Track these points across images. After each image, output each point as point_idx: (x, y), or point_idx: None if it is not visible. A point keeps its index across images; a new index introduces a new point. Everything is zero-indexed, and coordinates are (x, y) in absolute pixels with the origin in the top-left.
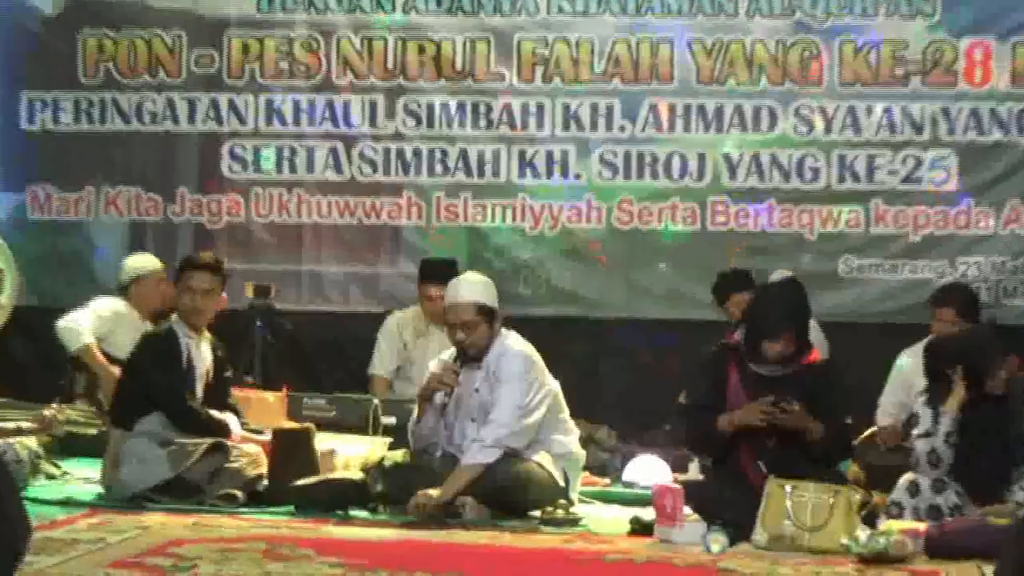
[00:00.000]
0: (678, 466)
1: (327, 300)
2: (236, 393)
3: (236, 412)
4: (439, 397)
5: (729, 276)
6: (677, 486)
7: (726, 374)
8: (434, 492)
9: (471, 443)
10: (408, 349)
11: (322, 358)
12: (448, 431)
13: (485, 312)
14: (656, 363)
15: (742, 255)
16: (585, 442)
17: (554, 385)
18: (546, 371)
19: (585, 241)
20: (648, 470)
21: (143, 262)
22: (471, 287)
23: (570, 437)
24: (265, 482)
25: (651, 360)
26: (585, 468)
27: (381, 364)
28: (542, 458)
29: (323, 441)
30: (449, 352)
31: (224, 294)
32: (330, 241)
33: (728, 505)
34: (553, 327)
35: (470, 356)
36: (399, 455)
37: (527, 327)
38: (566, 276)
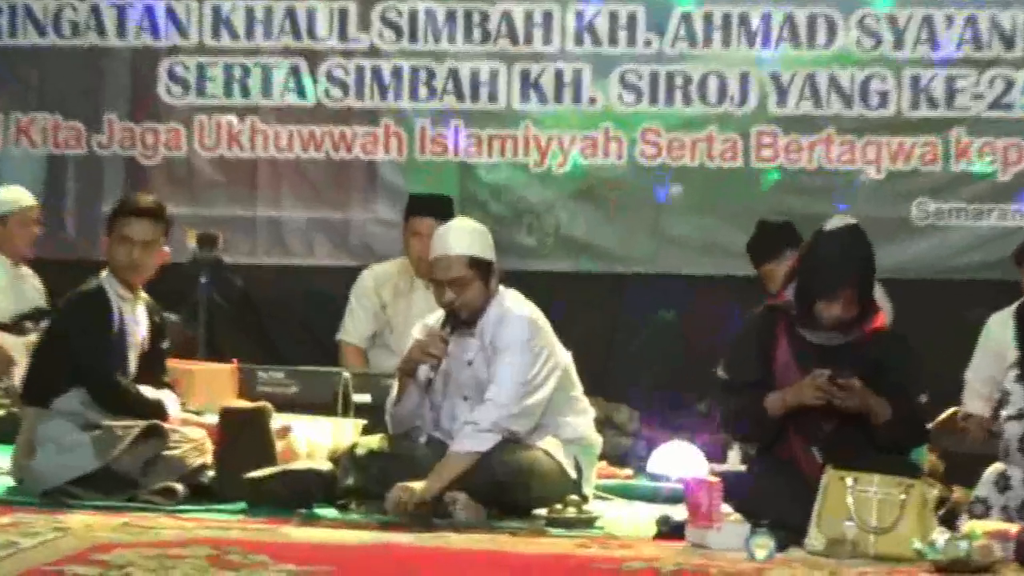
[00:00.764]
0: (715, 454)
1: (287, 252)
2: (175, 365)
3: (173, 388)
4: (423, 371)
5: (769, 230)
6: (714, 479)
7: (773, 343)
8: (418, 486)
9: (463, 426)
10: (387, 312)
11: (281, 323)
12: (435, 412)
13: (479, 266)
14: (689, 329)
15: (793, 197)
16: (602, 425)
17: (564, 356)
18: (554, 339)
19: (602, 180)
20: (679, 459)
21: (11, 196)
22: (462, 236)
23: (583, 419)
24: (211, 473)
25: (683, 325)
26: (601, 457)
27: (354, 329)
28: (549, 444)
29: (283, 424)
30: (436, 316)
31: (166, 247)
32: (291, 180)
33: (776, 502)
34: (563, 285)
35: (461, 321)
36: (375, 441)
37: (531, 285)
38: (579, 223)
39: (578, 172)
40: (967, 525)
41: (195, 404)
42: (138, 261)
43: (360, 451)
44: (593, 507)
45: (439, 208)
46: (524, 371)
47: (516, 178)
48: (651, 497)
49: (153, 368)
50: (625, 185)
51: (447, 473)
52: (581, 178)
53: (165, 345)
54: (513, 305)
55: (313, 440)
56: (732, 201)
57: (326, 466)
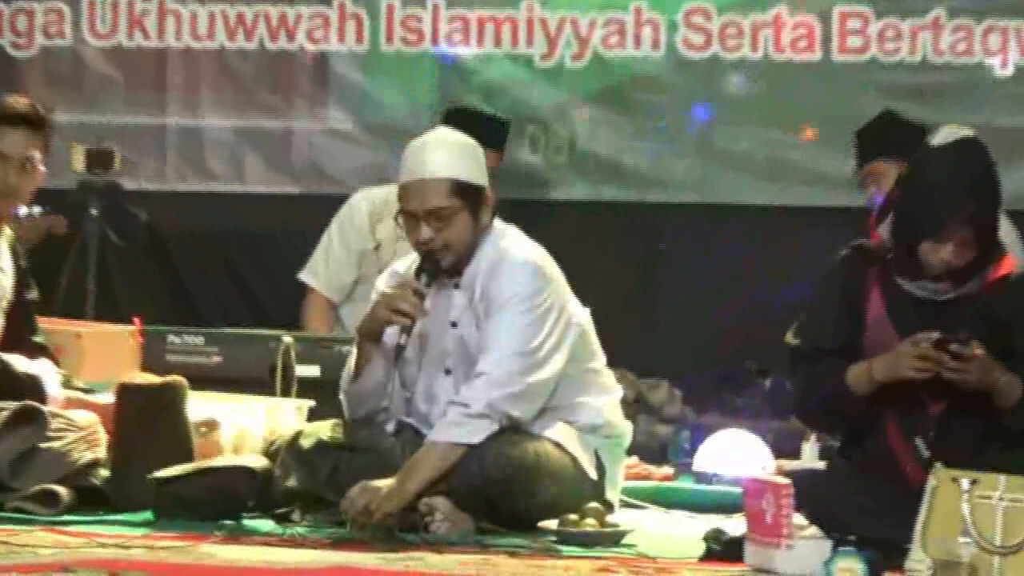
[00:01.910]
0: (784, 447)
1: (208, 176)
2: (57, 326)
3: (52, 357)
4: (391, 335)
5: (895, 122)
6: (782, 480)
7: (863, 297)
8: (385, 487)
9: (446, 409)
10: (381, 255)
11: (199, 271)
12: (407, 390)
13: (466, 194)
14: (748, 279)
15: (889, 101)
16: (632, 409)
17: (581, 316)
18: (568, 292)
19: (632, 79)
20: (735, 453)
21: None
22: (443, 153)
23: (606, 400)
24: (104, 473)
25: (741, 274)
26: (631, 450)
27: (327, 272)
28: (560, 434)
29: (201, 406)
30: (408, 261)
31: (42, 166)
32: (213, 77)
33: (866, 511)
34: (579, 220)
35: (442, 267)
36: (325, 429)
37: (536, 220)
38: (601, 136)
39: (599, 68)
40: None
41: (83, 379)
42: (12, 184)
43: (306, 443)
44: (620, 517)
45: (496, 132)
46: (527, 336)
47: (516, 76)
48: (698, 504)
49: (21, 329)
50: (663, 85)
51: (424, 472)
52: (604, 76)
53: (32, 295)
54: (512, 246)
55: (242, 428)
56: (806, 107)
57: (260, 462)
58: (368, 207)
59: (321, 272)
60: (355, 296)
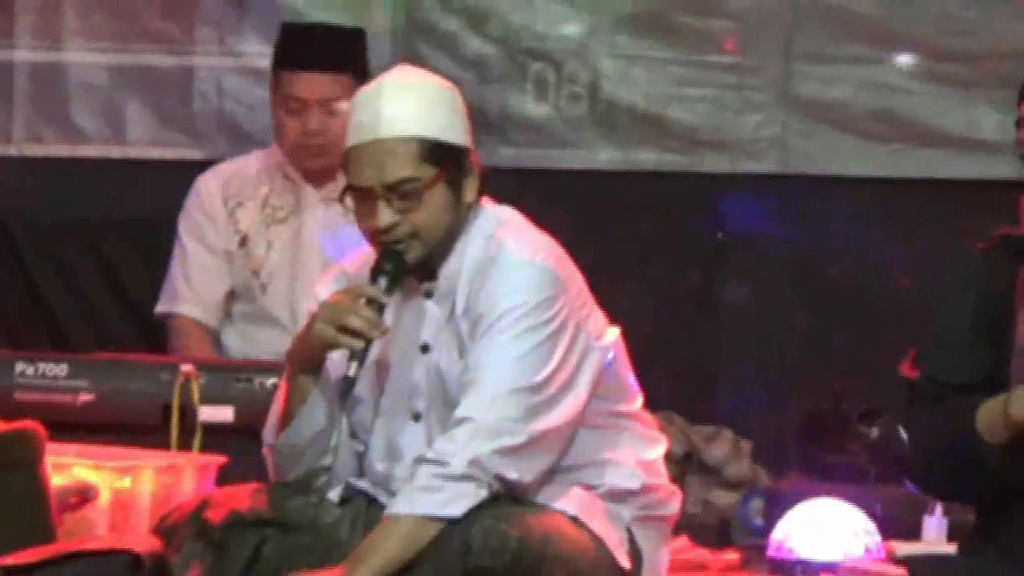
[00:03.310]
0: (898, 523)
1: (73, 135)
2: None
3: None
4: (337, 364)
5: None
6: (895, 570)
7: (1009, 308)
8: None
9: (414, 469)
10: (251, 250)
11: (62, 272)
12: (359, 442)
13: (442, 159)
14: (847, 284)
15: None
16: (682, 468)
17: (608, 337)
18: (590, 304)
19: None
20: (826, 533)
21: None
22: (409, 102)
23: (643, 455)
24: None
25: (834, 276)
26: (680, 527)
27: (190, 291)
28: (578, 504)
29: (67, 461)
30: (358, 257)
31: None
32: None
33: None
34: (607, 197)
35: (409, 266)
36: (243, 497)
37: (545, 197)
38: (636, 77)
39: None
40: None
41: None
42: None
43: (214, 517)
44: None
45: (336, 52)
46: (531, 366)
47: None
48: None
49: None
50: (725, 5)
51: (381, 557)
52: None
53: None
54: (509, 238)
55: (123, 494)
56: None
57: (148, 545)
58: (220, 190)
59: (183, 293)
60: (233, 314)
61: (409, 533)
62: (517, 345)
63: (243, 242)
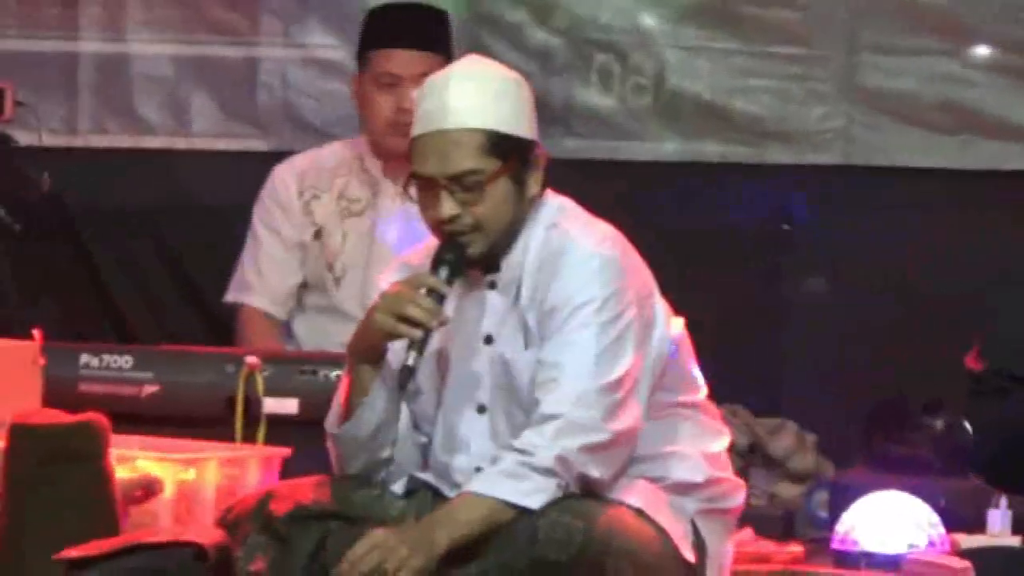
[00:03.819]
0: (963, 515)
1: (137, 126)
2: None
3: None
4: (398, 355)
5: None
6: (960, 563)
7: None
8: (403, 538)
9: (500, 454)
10: (326, 242)
11: (127, 263)
12: (422, 434)
13: (508, 152)
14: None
15: None
16: (746, 460)
17: (672, 326)
18: (655, 294)
19: None
20: (891, 525)
21: None
22: (476, 93)
23: (707, 448)
24: None
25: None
26: (744, 520)
27: (260, 283)
28: (642, 497)
29: (131, 453)
30: (421, 249)
31: None
32: None
33: None
34: (671, 188)
35: (471, 259)
36: (306, 490)
37: (608, 188)
38: (701, 68)
39: None
40: None
41: None
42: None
43: (278, 509)
44: None
45: (425, 31)
46: (610, 361)
47: None
48: None
49: None
50: None
51: (460, 525)
52: None
53: None
54: (574, 228)
55: (187, 486)
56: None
57: (212, 537)
58: (296, 181)
59: (254, 283)
60: (306, 305)
61: (488, 515)
62: (595, 342)
63: (318, 234)
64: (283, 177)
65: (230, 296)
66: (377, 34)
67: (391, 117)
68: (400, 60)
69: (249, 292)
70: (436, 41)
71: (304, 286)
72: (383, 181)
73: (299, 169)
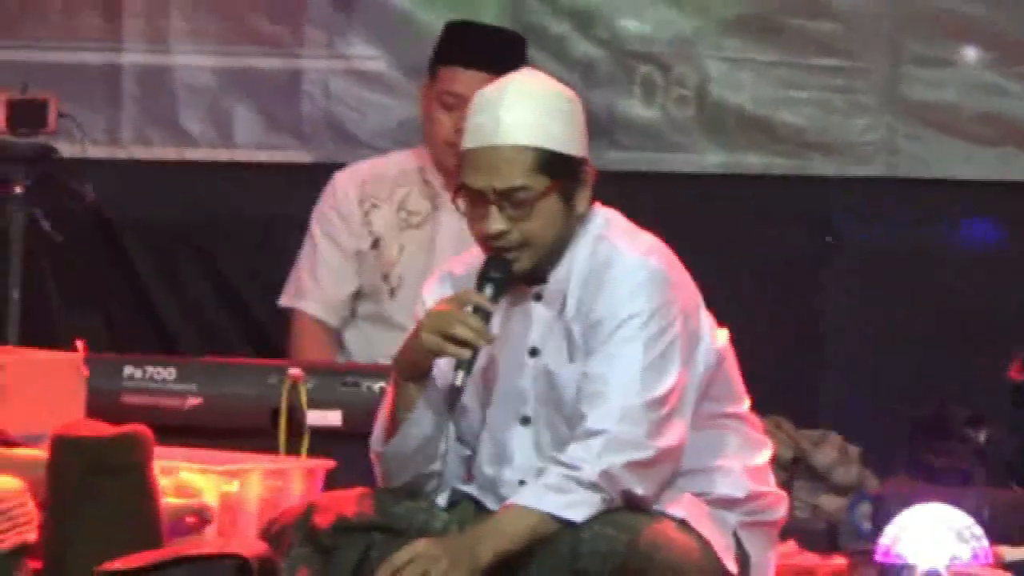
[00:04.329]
0: (1007, 527)
1: (180, 138)
2: None
3: None
4: (444, 371)
5: None
6: (1002, 575)
7: None
8: (446, 549)
9: (545, 467)
10: (385, 252)
11: (170, 274)
12: (467, 447)
13: (558, 169)
14: (955, 286)
15: None
16: (789, 472)
17: (717, 339)
18: (700, 306)
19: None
20: (934, 537)
21: None
22: (527, 110)
23: (750, 460)
24: (36, 564)
25: (943, 278)
26: (787, 532)
27: (316, 289)
28: (686, 509)
29: (174, 465)
30: (467, 264)
31: None
32: None
33: None
34: (714, 200)
35: (516, 274)
36: (350, 502)
37: (652, 199)
38: (744, 80)
39: None
40: None
41: (6, 428)
42: None
43: (322, 521)
44: None
45: (499, 53)
46: (657, 376)
47: None
48: None
49: None
50: (834, 7)
51: (504, 539)
52: None
53: None
54: (621, 241)
55: (231, 498)
56: None
57: (255, 549)
58: (356, 190)
59: (309, 289)
60: (358, 314)
61: (534, 526)
62: (642, 356)
63: (375, 244)
64: (344, 185)
65: (284, 300)
66: (448, 50)
67: (450, 137)
68: (465, 80)
69: (304, 298)
70: (506, 65)
71: (358, 295)
72: (443, 194)
73: (360, 178)
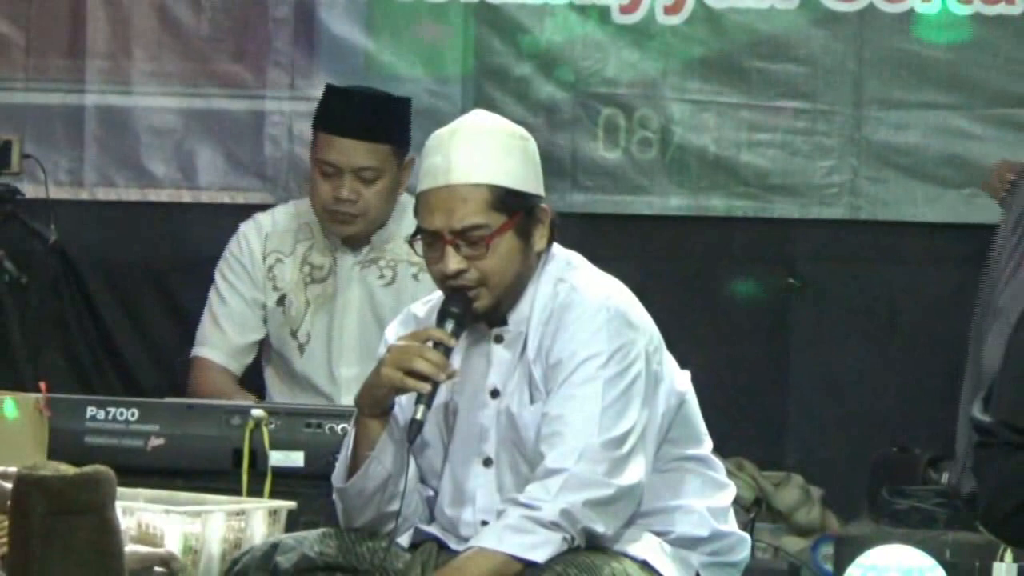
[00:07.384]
0: (968, 569)
1: (143, 178)
2: None
3: None
4: (405, 408)
5: None
6: None
7: None
8: None
9: (504, 508)
10: (290, 308)
11: (132, 315)
12: (429, 487)
13: (514, 207)
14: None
15: None
16: (751, 514)
17: (679, 381)
18: (662, 349)
19: (753, 40)
20: None
21: None
22: (484, 150)
23: (712, 502)
24: None
25: (906, 321)
26: (750, 573)
27: (220, 334)
28: (648, 550)
29: (134, 506)
30: (426, 303)
31: None
32: (150, 36)
33: None
34: (678, 242)
35: (476, 312)
36: (313, 542)
37: (615, 242)
38: (707, 123)
39: (706, 25)
40: None
41: None
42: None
43: (285, 561)
44: None
45: (376, 121)
46: (616, 416)
47: (586, 34)
48: None
49: None
50: (797, 49)
51: None
52: (712, 36)
53: None
54: (581, 283)
55: (194, 540)
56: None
57: None
58: (260, 244)
59: (211, 336)
60: (274, 365)
61: (495, 569)
62: (601, 396)
63: (281, 300)
64: (248, 238)
65: (194, 351)
66: (325, 116)
67: (329, 204)
68: (341, 149)
69: (205, 345)
70: (383, 132)
71: (269, 350)
72: (342, 248)
73: (264, 232)
